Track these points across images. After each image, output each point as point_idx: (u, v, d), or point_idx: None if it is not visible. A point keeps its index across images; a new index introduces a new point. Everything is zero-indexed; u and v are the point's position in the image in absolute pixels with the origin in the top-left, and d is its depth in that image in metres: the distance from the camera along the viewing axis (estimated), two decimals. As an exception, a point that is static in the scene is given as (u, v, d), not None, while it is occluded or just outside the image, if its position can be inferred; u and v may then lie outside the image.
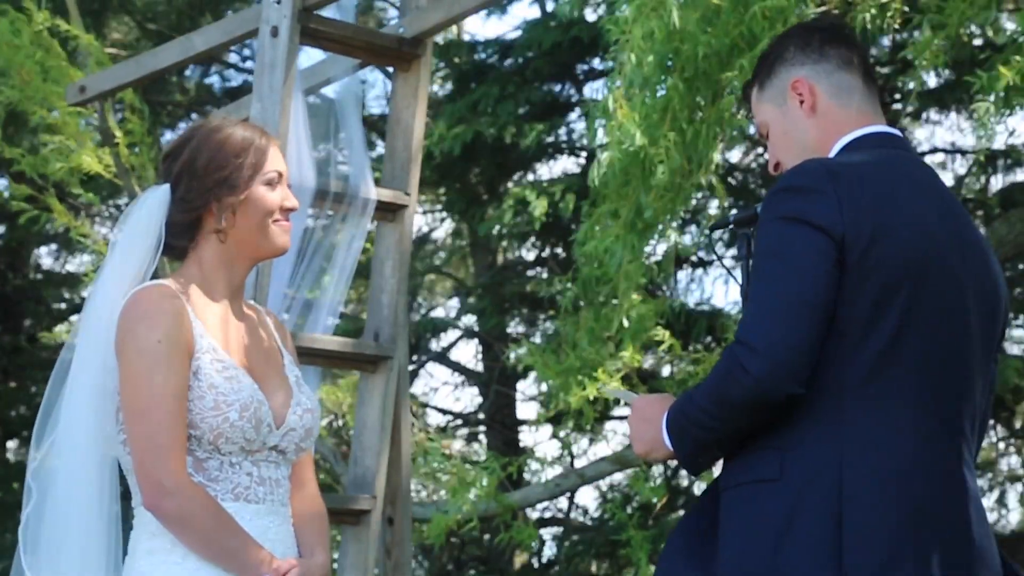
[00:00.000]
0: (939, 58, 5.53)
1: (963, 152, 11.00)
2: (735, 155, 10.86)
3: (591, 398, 6.18)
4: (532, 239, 11.43)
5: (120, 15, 12.25)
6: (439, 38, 10.26)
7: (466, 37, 12.40)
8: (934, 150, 11.25)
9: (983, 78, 5.34)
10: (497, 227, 10.26)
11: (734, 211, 4.16)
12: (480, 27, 13.66)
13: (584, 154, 11.24)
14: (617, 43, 5.59)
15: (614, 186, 5.76)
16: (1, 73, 8.17)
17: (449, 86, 11.15)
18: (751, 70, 3.74)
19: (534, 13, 11.51)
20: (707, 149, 5.71)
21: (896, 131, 3.23)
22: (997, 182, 10.34)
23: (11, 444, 14.25)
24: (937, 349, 3.02)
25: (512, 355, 8.61)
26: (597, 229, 5.96)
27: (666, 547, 3.13)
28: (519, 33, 10.97)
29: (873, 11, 5.10)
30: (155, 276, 3.43)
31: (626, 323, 6.24)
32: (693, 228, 9.93)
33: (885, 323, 2.97)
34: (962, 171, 10.86)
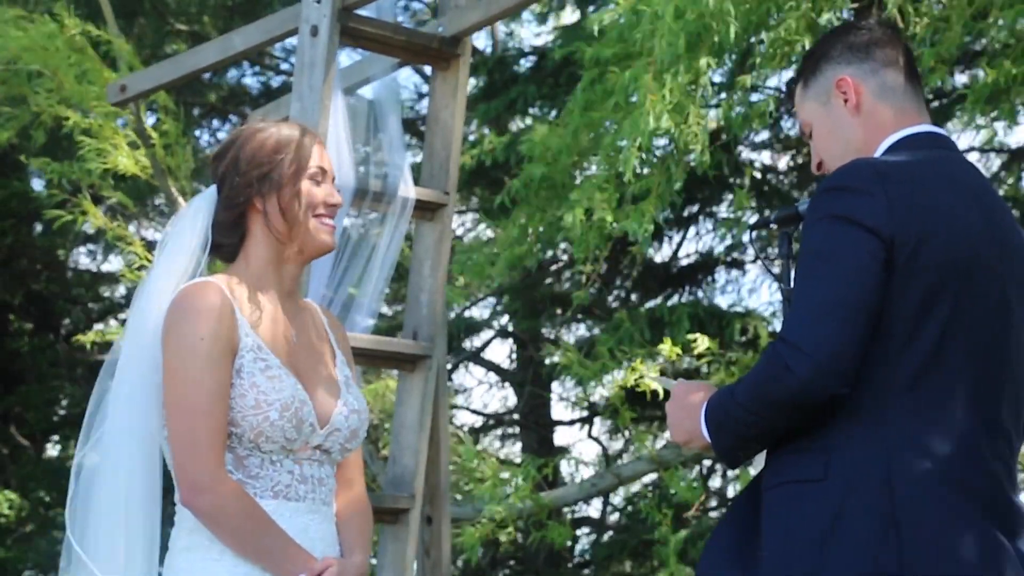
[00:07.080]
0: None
1: (996, 151, 10.94)
2: (766, 156, 10.83)
3: (629, 385, 6.15)
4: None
5: (152, 17, 12.27)
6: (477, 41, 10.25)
7: (501, 34, 12.39)
8: (969, 149, 11.18)
9: None
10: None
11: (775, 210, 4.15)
12: (517, 29, 13.56)
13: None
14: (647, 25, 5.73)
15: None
16: (37, 76, 8.21)
17: (483, 81, 11.14)
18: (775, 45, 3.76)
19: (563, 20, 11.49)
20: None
21: (942, 131, 3.21)
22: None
23: (48, 444, 14.29)
24: (981, 350, 3.01)
25: (547, 358, 8.59)
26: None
27: (706, 547, 3.11)
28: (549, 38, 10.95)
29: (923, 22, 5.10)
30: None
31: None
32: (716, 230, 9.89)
33: (931, 325, 2.96)
34: (995, 169, 10.81)
